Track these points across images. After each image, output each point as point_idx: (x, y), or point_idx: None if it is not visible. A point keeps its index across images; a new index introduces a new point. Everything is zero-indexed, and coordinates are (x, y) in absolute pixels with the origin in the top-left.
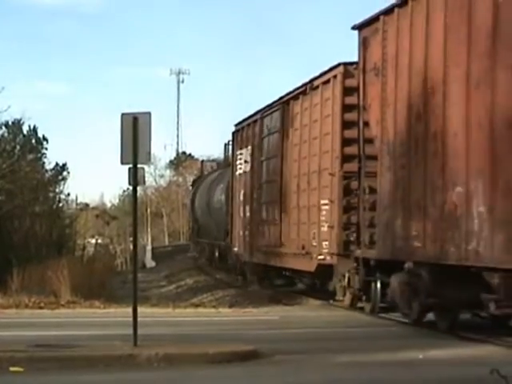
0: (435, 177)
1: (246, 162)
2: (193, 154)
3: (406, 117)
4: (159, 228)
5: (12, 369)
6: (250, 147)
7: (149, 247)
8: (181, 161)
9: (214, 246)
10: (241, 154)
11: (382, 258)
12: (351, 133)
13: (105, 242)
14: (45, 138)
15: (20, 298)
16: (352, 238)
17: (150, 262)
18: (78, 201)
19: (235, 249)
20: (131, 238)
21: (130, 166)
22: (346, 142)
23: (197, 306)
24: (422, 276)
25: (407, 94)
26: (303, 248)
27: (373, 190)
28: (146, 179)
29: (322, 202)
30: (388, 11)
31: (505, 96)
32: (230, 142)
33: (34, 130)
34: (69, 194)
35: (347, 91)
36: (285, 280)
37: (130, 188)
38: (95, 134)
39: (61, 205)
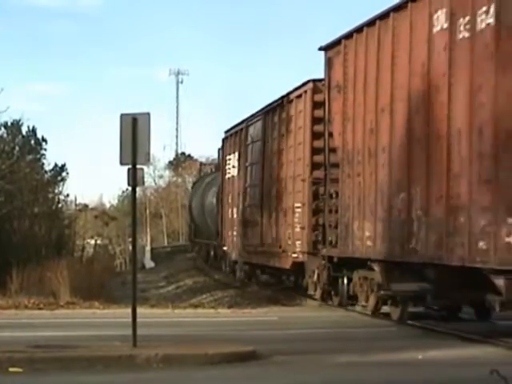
0: (384, 184)
1: (233, 167)
2: (192, 154)
3: (362, 130)
4: (158, 229)
5: (11, 369)
6: (237, 153)
7: (148, 248)
8: (180, 161)
9: (209, 245)
10: (229, 159)
11: (342, 256)
12: (320, 143)
13: (104, 242)
14: (44, 139)
15: (19, 299)
16: (320, 238)
17: (149, 263)
18: (77, 202)
19: (225, 248)
20: (130, 239)
21: (129, 166)
22: (315, 151)
23: (196, 306)
24: (376, 272)
25: (363, 110)
26: (280, 247)
27: (337, 195)
28: (145, 180)
29: (296, 205)
30: (348, 36)
31: (438, 114)
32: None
33: (33, 130)
34: (68, 195)
35: (316, 105)
36: (271, 277)
37: (129, 189)
38: (94, 134)
39: (60, 206)
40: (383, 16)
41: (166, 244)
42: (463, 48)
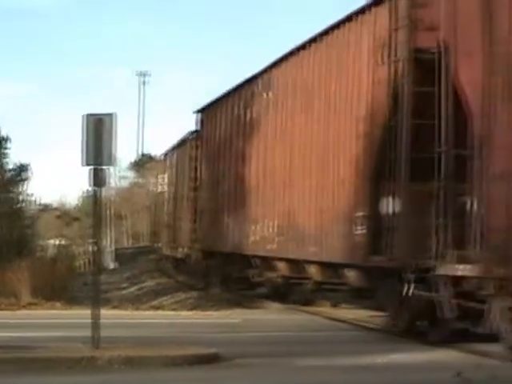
0: (219, 205)
1: (161, 185)
2: (155, 154)
3: (209, 170)
4: (121, 230)
5: None
6: (166, 173)
7: (111, 249)
8: (143, 162)
9: None
10: (162, 178)
11: (203, 249)
12: (197, 173)
13: (66, 243)
14: (6, 138)
15: None
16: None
17: (111, 264)
18: (40, 201)
19: (159, 244)
20: (92, 240)
21: (92, 167)
22: (195, 180)
23: (157, 308)
24: (218, 259)
25: (212, 156)
26: (178, 243)
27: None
28: (108, 180)
29: (185, 215)
30: (209, 105)
31: (240, 172)
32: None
33: None
34: (32, 195)
35: (196, 148)
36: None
37: (91, 189)
38: (58, 134)
39: (22, 205)
40: (218, 100)
41: (128, 245)
42: None
